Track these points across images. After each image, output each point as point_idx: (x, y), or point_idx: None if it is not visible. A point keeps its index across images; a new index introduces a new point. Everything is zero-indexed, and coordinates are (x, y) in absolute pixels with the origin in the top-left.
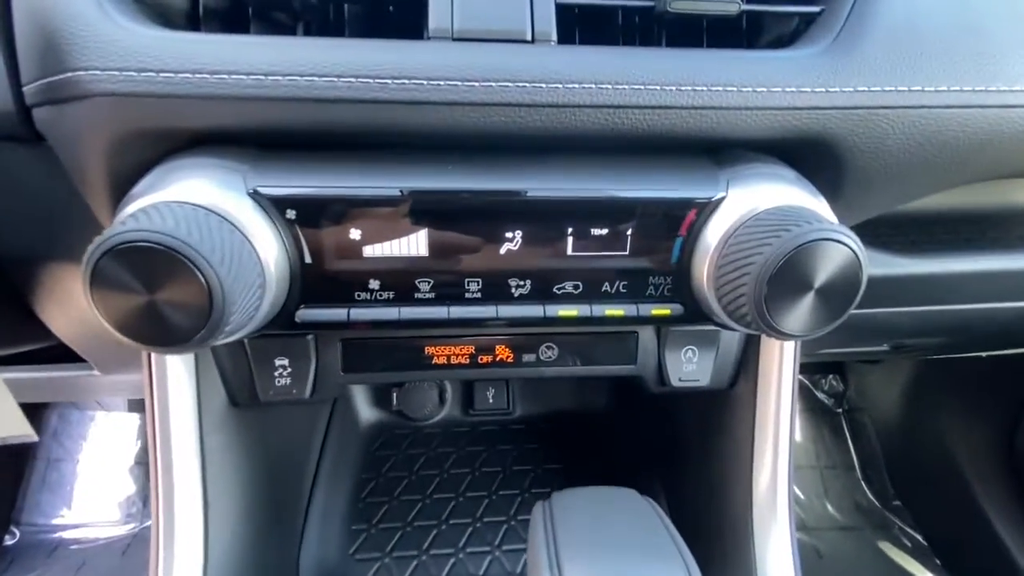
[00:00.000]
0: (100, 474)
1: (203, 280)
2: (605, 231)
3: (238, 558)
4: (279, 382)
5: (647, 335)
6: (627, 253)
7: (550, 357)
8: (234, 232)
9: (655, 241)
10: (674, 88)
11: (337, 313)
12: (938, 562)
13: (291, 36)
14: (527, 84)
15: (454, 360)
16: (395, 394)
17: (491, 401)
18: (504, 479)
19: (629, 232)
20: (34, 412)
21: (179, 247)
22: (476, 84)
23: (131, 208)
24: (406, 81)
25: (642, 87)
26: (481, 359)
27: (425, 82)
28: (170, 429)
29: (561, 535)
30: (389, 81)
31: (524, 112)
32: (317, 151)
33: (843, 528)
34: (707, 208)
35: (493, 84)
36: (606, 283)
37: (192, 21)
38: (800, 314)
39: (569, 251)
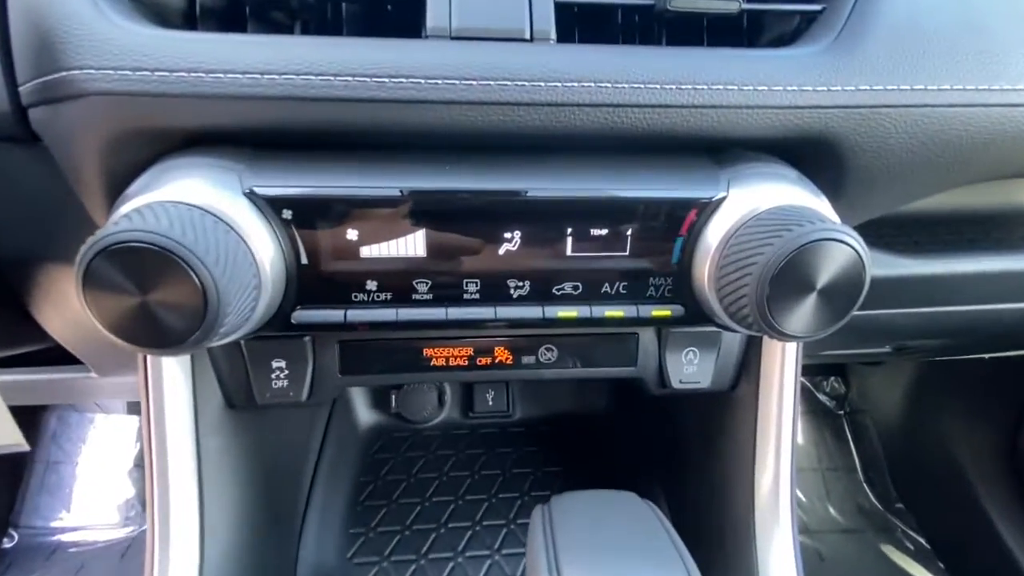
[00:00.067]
0: (99, 477)
1: (197, 281)
2: (605, 231)
3: (235, 562)
4: (276, 384)
5: (647, 336)
6: (627, 254)
7: (549, 359)
8: (229, 232)
9: (655, 241)
10: (674, 87)
11: (334, 314)
12: (941, 565)
13: (288, 35)
14: (526, 83)
15: (453, 362)
16: (394, 396)
17: (491, 403)
18: (504, 482)
19: (629, 232)
20: (33, 415)
21: (173, 247)
22: (474, 83)
23: (125, 208)
24: (403, 80)
25: (642, 86)
26: (480, 361)
27: (423, 81)
28: (166, 431)
29: (560, 539)
30: (386, 80)
31: (523, 111)
32: (314, 151)
33: (845, 531)
34: (708, 208)
35: (491, 83)
36: (606, 284)
37: (189, 20)
38: (802, 315)
39: (568, 252)
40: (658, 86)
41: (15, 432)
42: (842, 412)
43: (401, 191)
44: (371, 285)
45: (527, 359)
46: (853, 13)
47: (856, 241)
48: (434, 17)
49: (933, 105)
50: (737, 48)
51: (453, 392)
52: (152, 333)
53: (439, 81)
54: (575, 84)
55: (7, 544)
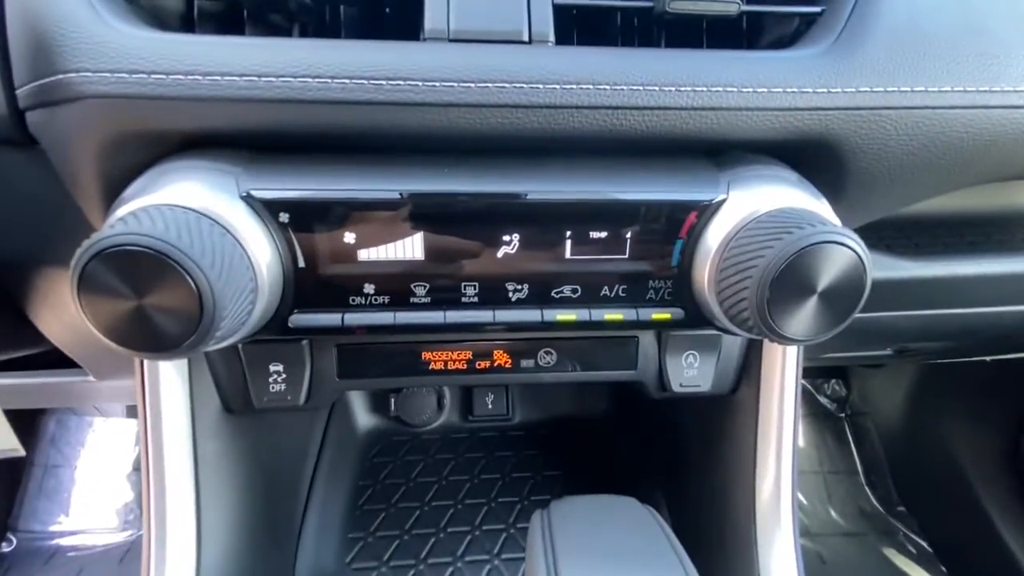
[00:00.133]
0: (98, 480)
1: (193, 284)
2: (604, 234)
3: (232, 567)
4: (273, 388)
5: (647, 340)
6: (626, 256)
7: (549, 362)
8: (226, 236)
9: (655, 244)
10: (673, 89)
11: (331, 318)
12: (943, 568)
13: (286, 38)
14: (524, 85)
15: (451, 366)
16: (393, 400)
17: (490, 407)
18: (503, 486)
19: (628, 235)
20: (31, 418)
21: (168, 251)
22: (472, 85)
23: (121, 211)
24: (401, 82)
25: (641, 88)
26: (479, 365)
27: (420, 83)
28: (162, 436)
29: (560, 544)
30: (384, 82)
31: (521, 113)
32: (311, 154)
33: (847, 534)
34: (707, 211)
35: (490, 85)
36: (605, 287)
37: (187, 23)
38: (803, 318)
39: (567, 255)
40: (657, 88)
41: (11, 437)
42: (843, 415)
43: (399, 194)
44: (369, 288)
45: (526, 363)
46: (853, 15)
47: (857, 244)
48: (432, 19)
49: (933, 107)
50: (736, 50)
51: (452, 396)
52: (148, 337)
53: (437, 84)
54: (574, 86)
55: (5, 548)
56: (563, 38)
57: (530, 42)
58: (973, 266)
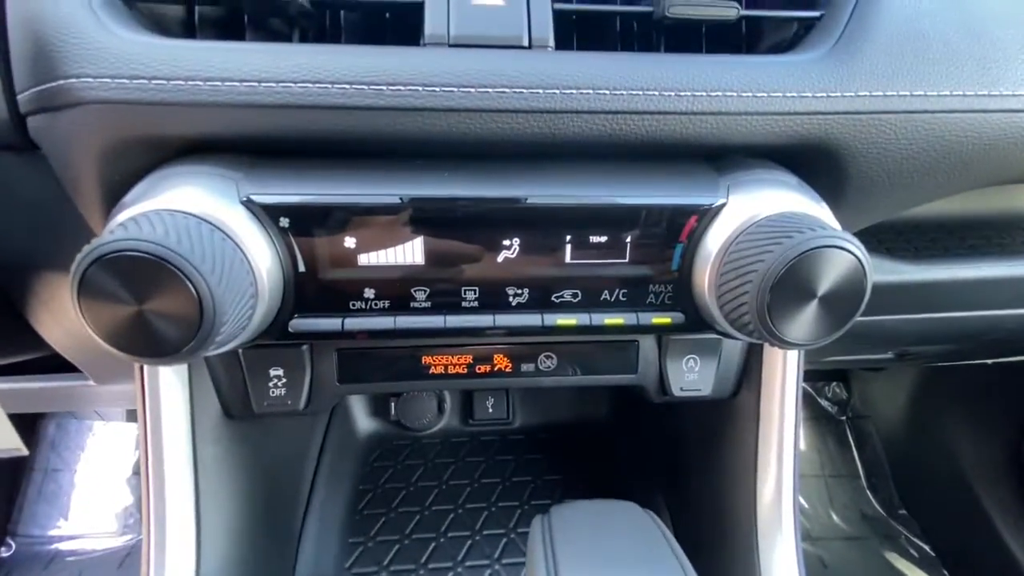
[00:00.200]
0: (97, 485)
1: (193, 290)
2: (604, 238)
3: (232, 572)
4: (274, 393)
5: (648, 344)
6: (627, 261)
7: (549, 366)
8: (226, 241)
9: (655, 248)
10: (673, 93)
11: (331, 323)
12: (945, 572)
13: (286, 43)
14: (524, 90)
15: (452, 370)
16: (393, 404)
17: (491, 411)
18: (504, 490)
19: (628, 239)
20: (31, 422)
21: (168, 256)
22: (473, 90)
23: (122, 216)
24: (401, 87)
25: (641, 92)
26: (479, 369)
27: (421, 88)
28: (162, 441)
29: (560, 549)
30: (384, 87)
31: (521, 118)
32: (312, 159)
33: (849, 538)
34: (708, 215)
35: (490, 90)
36: (605, 291)
37: (188, 29)
38: (803, 323)
39: (568, 259)
40: (657, 93)
41: (14, 437)
42: (844, 418)
43: (399, 199)
44: (369, 293)
45: (526, 367)
46: (852, 19)
47: (857, 248)
48: (432, 25)
49: (933, 111)
50: (736, 55)
51: (453, 400)
52: (147, 342)
53: (437, 88)
54: (574, 91)
55: (5, 553)
56: (563, 43)
57: (530, 47)
58: (973, 270)
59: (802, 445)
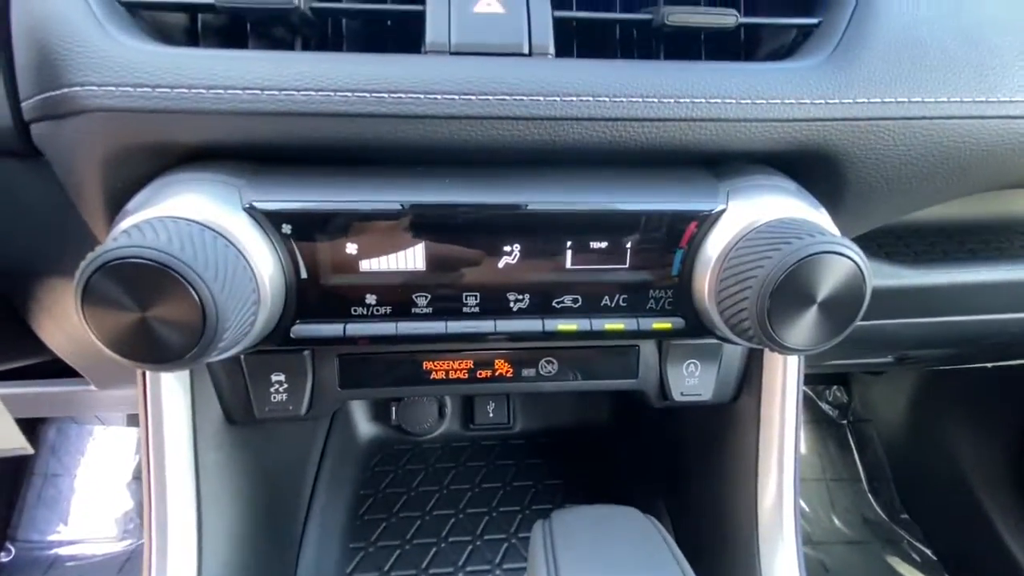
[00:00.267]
0: (97, 489)
1: (196, 296)
2: (604, 244)
3: None
4: (275, 398)
5: (648, 349)
6: (627, 266)
7: (550, 371)
8: (228, 247)
9: (655, 254)
10: (672, 100)
11: (333, 328)
12: None
13: (289, 51)
14: (524, 97)
15: (453, 375)
16: (394, 408)
17: (491, 415)
18: (504, 495)
19: (629, 245)
20: (32, 427)
21: (171, 263)
22: (473, 97)
23: (125, 223)
24: (403, 95)
25: (640, 99)
26: (480, 374)
27: (422, 96)
28: (164, 446)
29: (561, 555)
30: (386, 95)
31: (522, 125)
32: (314, 166)
33: (850, 542)
34: (707, 220)
35: (491, 97)
36: (606, 297)
37: (191, 37)
38: (803, 328)
39: (568, 265)
40: (656, 100)
41: (19, 436)
42: (845, 421)
43: (401, 205)
44: (371, 299)
45: (527, 372)
46: (850, 26)
47: (856, 254)
48: (433, 33)
49: (931, 117)
50: (735, 62)
51: (453, 404)
52: (150, 349)
53: (439, 96)
54: (574, 98)
55: (4, 558)
56: (563, 51)
57: (530, 55)
58: (972, 274)
59: (803, 449)
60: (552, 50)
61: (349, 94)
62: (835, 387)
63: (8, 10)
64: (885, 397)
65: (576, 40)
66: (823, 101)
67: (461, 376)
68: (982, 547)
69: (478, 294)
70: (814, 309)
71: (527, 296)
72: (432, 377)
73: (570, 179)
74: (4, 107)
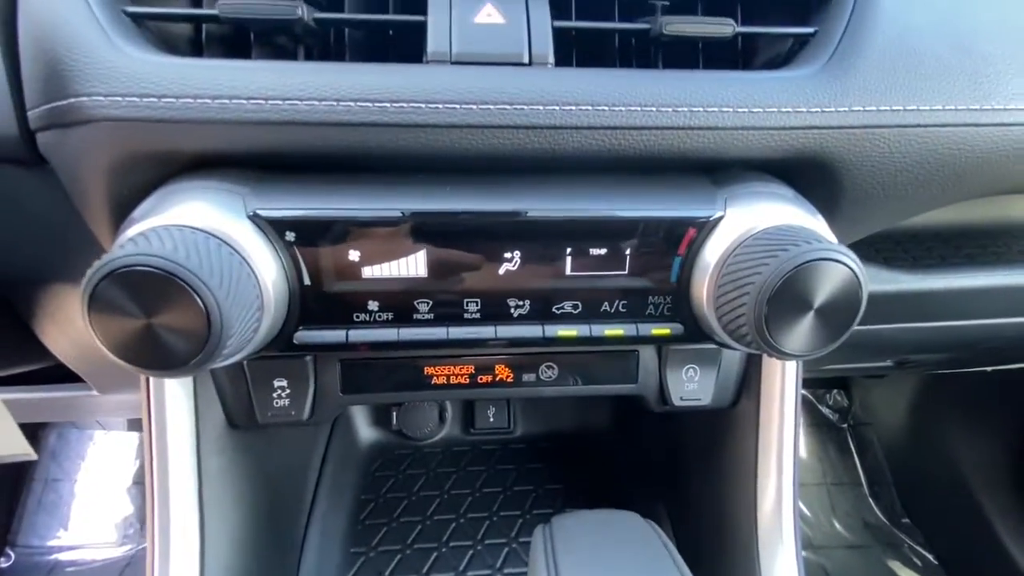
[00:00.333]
0: (98, 494)
1: (201, 303)
2: (604, 251)
3: None
4: (277, 403)
5: (648, 354)
6: (626, 273)
7: (550, 376)
8: (233, 255)
9: (654, 260)
10: (670, 109)
11: (336, 334)
12: None
13: (292, 61)
14: (525, 106)
15: (454, 380)
16: (395, 413)
17: (492, 420)
18: (505, 500)
19: (628, 252)
20: (33, 432)
21: (176, 270)
22: (474, 107)
23: (131, 232)
24: (405, 104)
25: (639, 108)
26: (481, 379)
27: (424, 105)
28: (167, 452)
29: (562, 559)
30: (388, 104)
31: (522, 134)
32: (317, 174)
33: (851, 546)
34: (705, 227)
35: (491, 107)
36: (605, 303)
37: (195, 47)
38: (800, 334)
39: (568, 271)
40: (655, 108)
41: (22, 442)
42: (845, 425)
43: (403, 212)
44: (373, 305)
45: (528, 377)
46: (845, 35)
47: (852, 261)
48: (435, 42)
49: (926, 125)
50: (732, 71)
51: (454, 409)
52: (156, 355)
53: (440, 105)
54: (573, 107)
55: (4, 564)
56: (562, 60)
57: (530, 64)
58: (970, 279)
59: (803, 453)
60: (552, 59)
61: (352, 103)
62: (835, 391)
63: (15, 20)
64: (885, 401)
65: (575, 49)
66: (819, 109)
67: (462, 381)
68: (983, 550)
69: (479, 300)
70: (811, 315)
71: (527, 302)
72: (433, 382)
73: (570, 186)
74: (10, 116)
